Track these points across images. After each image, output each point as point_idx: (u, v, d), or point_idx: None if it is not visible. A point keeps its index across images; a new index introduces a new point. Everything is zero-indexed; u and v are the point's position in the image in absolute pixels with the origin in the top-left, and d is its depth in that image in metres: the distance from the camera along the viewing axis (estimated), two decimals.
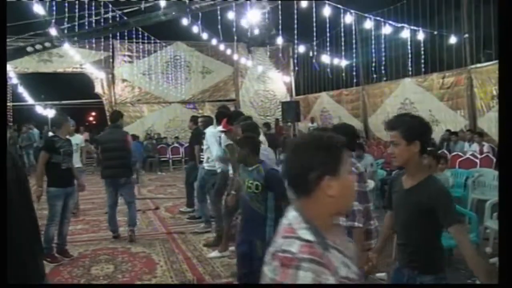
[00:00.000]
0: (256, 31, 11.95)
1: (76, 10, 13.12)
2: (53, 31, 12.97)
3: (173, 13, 12.52)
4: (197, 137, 7.90)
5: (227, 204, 5.52)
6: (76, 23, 13.25)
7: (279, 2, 12.85)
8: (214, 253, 6.11)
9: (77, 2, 12.83)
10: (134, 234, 6.98)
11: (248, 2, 12.09)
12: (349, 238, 2.91)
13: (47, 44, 12.12)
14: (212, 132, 6.69)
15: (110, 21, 13.75)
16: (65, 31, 12.97)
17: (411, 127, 2.56)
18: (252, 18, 11.75)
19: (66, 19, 12.96)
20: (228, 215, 6.06)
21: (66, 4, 12.68)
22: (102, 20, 13.64)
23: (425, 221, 2.54)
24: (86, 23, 13.38)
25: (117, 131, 7.20)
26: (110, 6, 13.75)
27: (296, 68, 20.66)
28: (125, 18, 13.89)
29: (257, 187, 3.91)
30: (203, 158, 7.27)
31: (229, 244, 5.97)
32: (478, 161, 10.10)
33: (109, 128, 7.41)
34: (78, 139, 7.66)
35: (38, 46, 11.88)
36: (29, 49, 11.80)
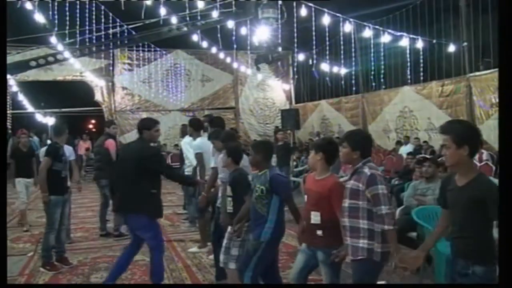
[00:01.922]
0: (263, 49, 12.24)
1: (78, 23, 13.29)
2: (56, 45, 13.10)
3: (178, 29, 12.66)
4: None
5: (199, 204, 5.88)
6: (79, 38, 13.39)
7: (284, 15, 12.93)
8: (194, 249, 6.68)
9: (78, 14, 12.97)
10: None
11: (256, 19, 12.27)
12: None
13: (50, 59, 12.25)
14: (185, 142, 7.46)
15: (116, 35, 13.91)
16: (68, 42, 13.09)
17: (461, 133, 2.80)
18: (261, 36, 11.98)
19: (69, 33, 13.11)
20: (201, 214, 6.52)
21: (67, 16, 12.83)
22: (104, 34, 13.77)
23: (478, 214, 2.74)
24: (88, 38, 13.55)
25: (101, 138, 7.90)
26: (118, 20, 13.89)
27: (296, 76, 20.73)
28: (133, 32, 14.05)
29: (262, 190, 4.04)
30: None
31: (208, 240, 6.30)
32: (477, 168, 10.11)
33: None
34: (68, 151, 6.91)
35: (41, 61, 12.00)
36: (32, 63, 11.92)
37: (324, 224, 3.62)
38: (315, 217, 3.66)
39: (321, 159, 3.73)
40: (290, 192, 4.17)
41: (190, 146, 7.18)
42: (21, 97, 20.05)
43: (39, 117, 21.35)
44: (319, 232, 3.65)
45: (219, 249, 4.74)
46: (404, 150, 13.10)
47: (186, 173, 7.40)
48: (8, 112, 18.91)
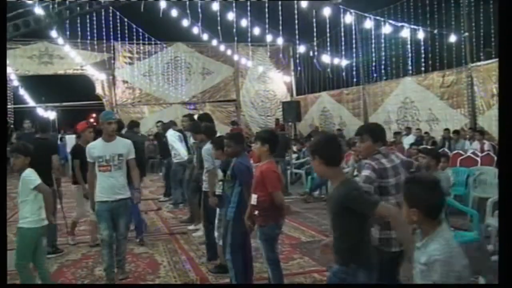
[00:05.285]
0: None
1: None
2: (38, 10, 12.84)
3: None
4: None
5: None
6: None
7: (280, 2, 12.91)
8: (191, 227, 7.57)
9: None
10: None
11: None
12: None
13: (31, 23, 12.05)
14: (171, 134, 8.64)
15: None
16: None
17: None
18: None
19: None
20: (194, 195, 7.14)
21: None
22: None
23: (342, 217, 2.87)
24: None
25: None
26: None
27: (299, 68, 20.68)
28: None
29: (229, 176, 4.70)
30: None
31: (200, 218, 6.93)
32: (479, 159, 10.09)
33: None
34: None
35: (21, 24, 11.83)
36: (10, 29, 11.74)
37: (259, 205, 4.11)
38: (253, 199, 4.17)
39: (267, 149, 4.24)
40: (247, 179, 4.49)
41: (176, 137, 8.64)
42: (22, 92, 20.09)
43: (41, 111, 21.39)
44: (256, 212, 4.16)
45: (211, 231, 5.46)
46: (406, 141, 13.09)
47: (175, 161, 9.00)
48: (9, 106, 18.95)
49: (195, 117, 8.15)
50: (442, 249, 2.23)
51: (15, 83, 19.08)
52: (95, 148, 5.10)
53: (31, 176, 4.39)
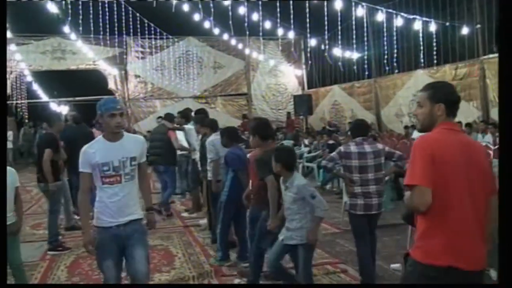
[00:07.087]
0: None
1: None
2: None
3: None
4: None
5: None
6: None
7: None
8: (187, 213, 8.44)
9: None
10: None
11: None
12: None
13: None
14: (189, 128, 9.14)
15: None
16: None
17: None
18: None
19: None
20: (195, 186, 8.13)
21: None
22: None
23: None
24: None
25: None
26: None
27: (310, 61, 20.66)
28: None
29: (224, 164, 5.43)
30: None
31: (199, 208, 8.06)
32: (491, 152, 10.04)
33: None
34: None
35: None
36: None
37: (253, 190, 4.70)
38: (250, 185, 4.81)
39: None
40: (235, 165, 5.18)
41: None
42: (35, 87, 20.30)
43: (54, 106, 21.58)
44: (252, 196, 4.76)
45: (215, 217, 5.95)
46: (419, 134, 13.06)
47: (180, 153, 9.12)
48: (24, 101, 19.21)
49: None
50: (299, 181, 3.92)
51: (29, 78, 19.30)
52: (96, 151, 3.39)
53: (15, 175, 4.41)
